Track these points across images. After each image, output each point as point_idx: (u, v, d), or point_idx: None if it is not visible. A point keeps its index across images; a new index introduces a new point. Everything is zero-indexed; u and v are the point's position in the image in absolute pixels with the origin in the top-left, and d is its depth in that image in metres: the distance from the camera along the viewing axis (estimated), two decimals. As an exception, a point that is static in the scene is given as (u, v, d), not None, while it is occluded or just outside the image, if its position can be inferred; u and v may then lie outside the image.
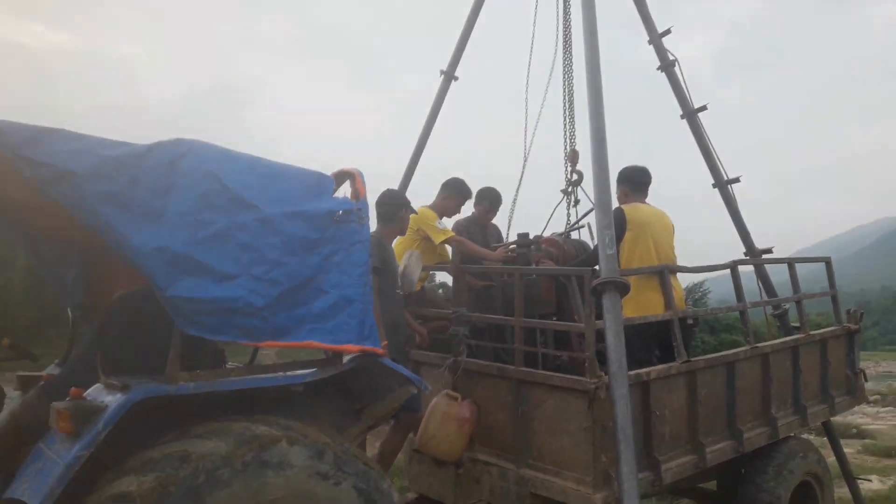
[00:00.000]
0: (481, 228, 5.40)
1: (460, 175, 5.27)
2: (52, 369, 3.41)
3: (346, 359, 2.90)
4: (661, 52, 5.67)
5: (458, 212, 5.24)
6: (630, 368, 3.51)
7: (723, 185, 5.65)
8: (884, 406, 20.87)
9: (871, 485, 8.25)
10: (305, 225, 2.76)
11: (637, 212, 4.38)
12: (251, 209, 2.64)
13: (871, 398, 22.47)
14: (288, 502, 2.46)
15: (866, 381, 5.73)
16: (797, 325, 5.34)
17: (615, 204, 4.24)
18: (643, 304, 4.05)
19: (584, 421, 3.41)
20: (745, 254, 5.64)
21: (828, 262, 5.68)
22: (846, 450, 11.94)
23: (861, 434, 13.69)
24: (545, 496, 3.59)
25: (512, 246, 4.86)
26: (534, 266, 4.52)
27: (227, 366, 3.22)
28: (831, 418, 5.54)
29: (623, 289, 3.29)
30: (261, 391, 2.76)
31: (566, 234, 5.39)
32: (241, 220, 2.60)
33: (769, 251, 5.58)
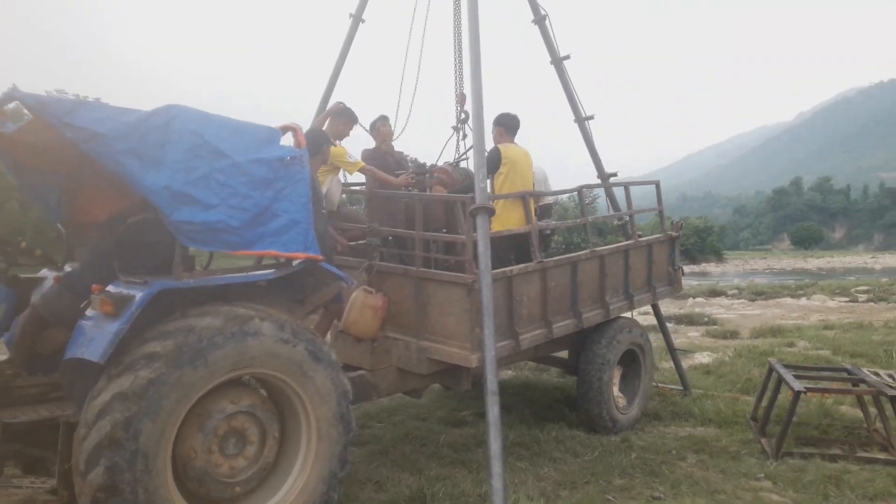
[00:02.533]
0: (384, 156, 6.51)
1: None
2: (47, 273, 4.34)
3: (294, 263, 4.06)
4: (535, 7, 6.81)
5: (348, 134, 6.15)
6: (499, 268, 4.89)
7: (581, 121, 7.02)
8: (738, 299, 24.12)
9: (702, 358, 10.32)
10: (264, 168, 3.83)
11: (510, 150, 5.71)
12: (225, 157, 3.67)
13: (730, 292, 25.80)
14: (262, 359, 3.65)
15: (683, 275, 7.44)
16: (639, 232, 6.97)
17: (490, 144, 5.51)
18: (510, 221, 5.43)
19: (465, 305, 4.76)
20: (597, 177, 7.13)
21: (657, 185, 7.26)
22: (694, 333, 14.29)
23: (711, 321, 16.25)
24: (437, 359, 4.99)
25: (412, 173, 6.04)
26: (428, 191, 5.77)
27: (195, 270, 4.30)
28: (658, 302, 7.27)
29: (491, 212, 4.59)
30: (235, 286, 3.88)
31: (455, 163, 6.63)
32: (218, 165, 3.64)
33: (614, 174, 7.08)
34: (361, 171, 5.80)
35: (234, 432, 3.63)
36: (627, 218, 6.96)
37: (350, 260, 5.61)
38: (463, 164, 6.65)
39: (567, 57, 6.90)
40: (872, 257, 77.89)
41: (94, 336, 3.37)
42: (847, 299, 21.81)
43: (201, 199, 3.56)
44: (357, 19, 7.04)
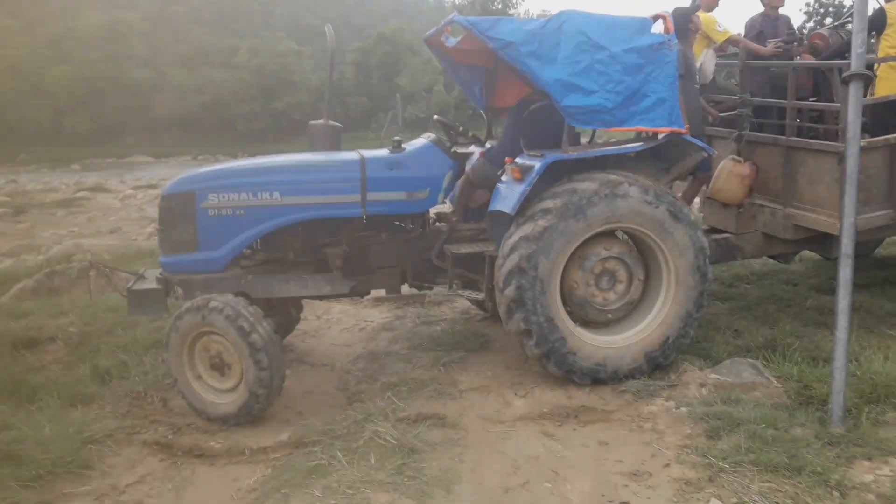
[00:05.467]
0: (772, 21, 6.42)
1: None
2: (475, 149, 5.76)
3: (660, 136, 4.71)
4: None
5: (716, 5, 6.28)
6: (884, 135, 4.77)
7: None
8: None
9: None
10: (635, 55, 4.48)
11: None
12: (603, 50, 4.43)
13: None
14: (629, 216, 4.48)
15: None
16: None
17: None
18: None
19: (835, 173, 4.81)
20: None
21: None
22: None
23: None
24: (804, 226, 5.18)
25: (779, 42, 5.92)
26: (796, 60, 5.66)
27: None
28: None
29: (867, 78, 4.44)
30: (609, 157, 4.75)
31: (839, 25, 6.16)
32: (598, 57, 4.43)
33: None
34: (729, 41, 5.95)
35: (607, 272, 4.63)
36: None
37: (721, 130, 5.96)
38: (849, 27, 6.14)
39: None
40: None
41: (507, 195, 4.61)
42: None
43: (584, 87, 4.43)
44: None
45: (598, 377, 4.54)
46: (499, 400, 4.47)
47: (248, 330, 4.16)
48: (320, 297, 5.28)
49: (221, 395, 4.37)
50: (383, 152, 5.07)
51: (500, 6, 45.51)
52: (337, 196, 4.85)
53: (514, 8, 46.95)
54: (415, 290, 5.51)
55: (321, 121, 5.42)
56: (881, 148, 4.89)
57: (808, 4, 27.50)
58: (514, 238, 4.44)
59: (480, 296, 5.05)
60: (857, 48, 4.37)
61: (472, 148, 5.56)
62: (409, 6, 69.25)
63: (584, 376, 4.53)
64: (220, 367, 4.37)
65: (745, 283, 6.69)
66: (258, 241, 4.91)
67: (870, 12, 4.73)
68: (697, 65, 5.87)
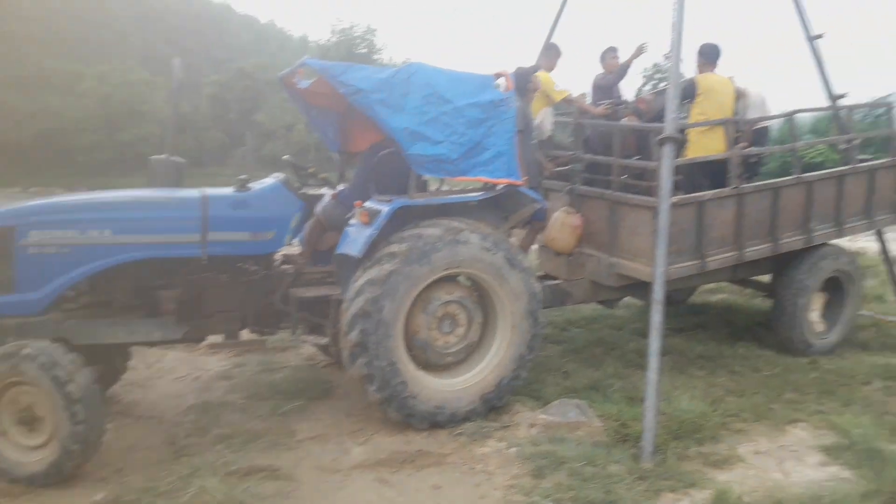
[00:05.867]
0: (612, 84, 7.10)
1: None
2: (326, 192, 5.77)
3: (499, 187, 4.99)
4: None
5: (555, 66, 6.83)
6: (693, 192, 5.36)
7: (810, 39, 6.75)
8: None
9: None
10: (478, 110, 4.75)
11: (706, 79, 5.96)
12: (449, 103, 4.65)
13: None
14: (469, 262, 4.67)
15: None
16: (866, 156, 6.73)
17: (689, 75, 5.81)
18: (709, 148, 5.75)
19: (651, 226, 5.31)
20: (828, 97, 6.87)
21: (889, 106, 6.78)
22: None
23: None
24: (625, 274, 5.66)
25: (609, 104, 6.57)
26: (622, 121, 6.30)
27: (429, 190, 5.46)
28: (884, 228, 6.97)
29: (677, 141, 5.01)
30: (453, 204, 4.95)
31: (659, 92, 6.94)
32: (444, 109, 4.64)
33: (843, 96, 6.77)
34: (566, 100, 6.48)
35: (449, 316, 4.78)
36: (856, 142, 6.67)
37: (556, 183, 6.41)
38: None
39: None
40: None
41: (355, 238, 4.66)
42: None
43: (430, 137, 4.61)
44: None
45: (437, 420, 4.64)
46: (337, 448, 4.42)
47: (64, 380, 3.84)
48: (150, 344, 4.96)
49: (29, 453, 3.97)
50: (228, 191, 4.95)
51: (364, 51, 46.07)
52: (175, 235, 4.64)
53: (379, 53, 47.71)
54: (256, 336, 5.36)
55: (163, 155, 5.21)
56: (691, 204, 5.50)
57: (646, 69, 30.54)
58: (361, 281, 4.48)
59: (325, 340, 5.02)
60: (670, 114, 4.93)
61: (324, 190, 5.57)
62: (272, 42, 68.34)
63: (423, 420, 4.60)
64: (29, 422, 3.98)
65: (576, 326, 7.15)
66: (84, 282, 4.57)
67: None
68: (536, 122, 6.33)
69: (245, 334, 5.23)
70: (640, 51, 6.90)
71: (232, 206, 4.82)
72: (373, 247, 4.53)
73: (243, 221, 4.83)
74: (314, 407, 5.08)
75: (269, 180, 5.18)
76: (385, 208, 4.57)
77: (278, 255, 5.33)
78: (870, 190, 6.49)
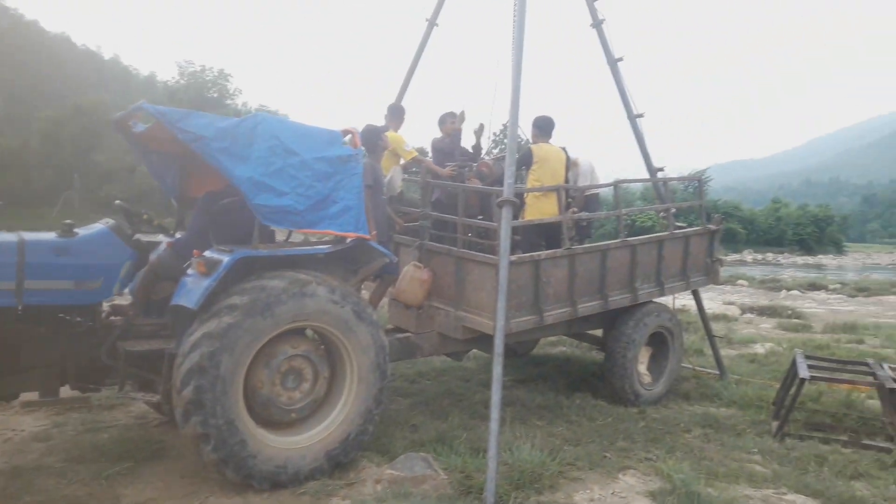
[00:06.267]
0: (449, 145, 7.41)
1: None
2: (161, 239, 5.50)
3: (347, 240, 5.01)
4: (593, 12, 7.37)
5: (401, 126, 7.13)
6: (531, 251, 5.67)
7: (632, 118, 7.55)
8: (838, 294, 23.23)
9: (758, 349, 10.59)
10: (326, 164, 4.77)
11: (541, 149, 6.45)
12: (296, 155, 4.64)
13: (832, 286, 24.82)
14: (316, 315, 4.62)
15: (722, 266, 7.86)
16: (683, 224, 7.50)
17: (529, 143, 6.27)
18: (544, 211, 6.17)
19: (493, 282, 5.56)
20: (647, 170, 7.66)
21: (700, 180, 7.69)
22: (767, 325, 14.32)
23: (795, 315, 16.12)
24: (470, 327, 5.84)
25: (455, 166, 6.90)
26: (466, 183, 6.63)
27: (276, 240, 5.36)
28: (700, 289, 7.79)
29: (514, 205, 5.34)
30: (300, 256, 4.89)
31: (500, 157, 7.40)
32: (290, 161, 4.61)
33: (661, 169, 7.60)
34: (414, 160, 6.70)
35: (293, 371, 4.64)
36: (666, 212, 7.45)
37: (406, 238, 6.54)
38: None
39: (621, 59, 7.44)
40: None
41: (192, 289, 4.44)
42: (961, 297, 20.63)
43: (276, 188, 4.55)
44: (431, 24, 7.87)
45: (279, 480, 4.44)
46: (167, 513, 4.10)
47: None
48: (-52, 404, 4.39)
49: None
50: (50, 236, 4.57)
51: (215, 94, 44.81)
52: None
53: (232, 98, 46.63)
54: (78, 393, 4.89)
55: None
56: (528, 263, 5.82)
57: (494, 134, 32.38)
58: (197, 335, 4.25)
59: (157, 398, 4.67)
60: (508, 179, 5.25)
61: (159, 237, 5.29)
62: (116, 79, 64.66)
63: (263, 481, 4.39)
64: None
65: (427, 379, 7.24)
66: None
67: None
68: (387, 179, 6.46)
69: (66, 391, 4.76)
70: (479, 129, 7.41)
71: (53, 252, 4.45)
72: (211, 298, 4.34)
73: (66, 269, 4.47)
74: (143, 469, 4.69)
75: (98, 226, 4.88)
76: (225, 258, 4.42)
77: (106, 306, 4.96)
78: (685, 254, 7.24)
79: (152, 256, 5.03)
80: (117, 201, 5.27)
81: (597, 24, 7.42)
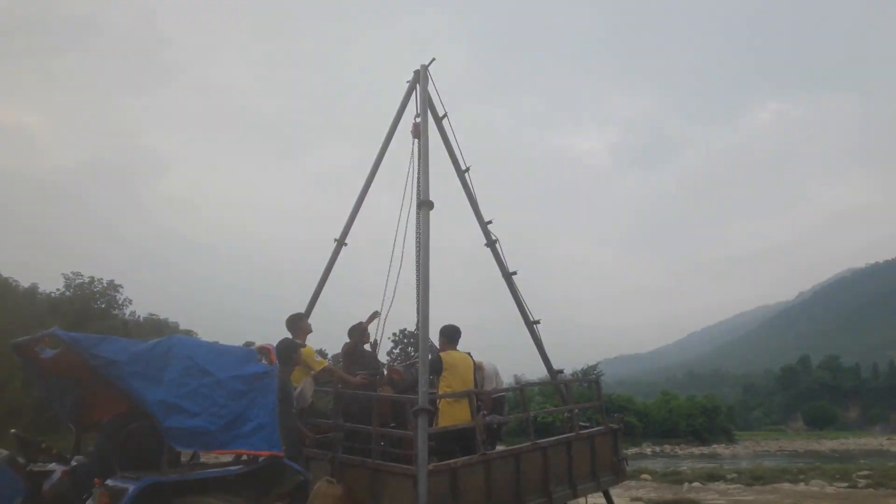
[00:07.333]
0: (359, 355, 7.57)
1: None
2: (55, 467, 5.14)
3: (260, 459, 4.89)
4: (486, 233, 8.19)
5: (306, 336, 7.22)
6: (446, 458, 5.69)
7: (530, 325, 8.10)
8: (736, 483, 23.69)
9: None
10: (240, 382, 4.81)
11: (450, 357, 6.77)
12: (210, 375, 4.67)
13: (729, 476, 25.35)
14: (227, 541, 4.38)
15: (627, 465, 8.09)
16: (585, 423, 7.80)
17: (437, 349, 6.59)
18: (456, 416, 6.31)
19: (412, 494, 5.48)
20: (548, 372, 8.08)
21: (596, 382, 8.18)
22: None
23: (698, 507, 16.26)
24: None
25: (366, 374, 7.05)
26: (378, 391, 6.75)
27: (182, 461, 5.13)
28: (610, 488, 7.88)
29: (431, 413, 5.49)
30: (210, 479, 4.69)
31: (410, 364, 7.65)
32: (204, 382, 4.63)
33: (561, 371, 8.05)
34: (325, 370, 6.79)
35: None
36: (576, 410, 7.78)
37: (317, 452, 6.40)
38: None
39: (515, 273, 8.16)
40: (888, 439, 75.16)
41: (93, 524, 4.13)
42: (847, 484, 21.49)
43: (188, 409, 4.51)
44: (340, 244, 8.40)
45: None
46: None
47: None
48: None
49: None
50: None
51: (103, 305, 43.10)
52: None
53: (120, 309, 44.91)
54: None
55: None
56: (445, 471, 5.80)
57: (394, 334, 32.47)
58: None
59: None
60: (422, 387, 5.45)
61: (53, 465, 4.96)
62: (-9, 293, 61.20)
63: None
64: None
65: None
66: None
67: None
68: (297, 391, 6.45)
69: None
70: (373, 316, 7.69)
71: None
72: None
73: None
74: None
75: None
76: (131, 486, 4.20)
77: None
78: (592, 453, 7.44)
79: (45, 486, 4.71)
80: (13, 430, 4.97)
81: (490, 243, 8.20)
